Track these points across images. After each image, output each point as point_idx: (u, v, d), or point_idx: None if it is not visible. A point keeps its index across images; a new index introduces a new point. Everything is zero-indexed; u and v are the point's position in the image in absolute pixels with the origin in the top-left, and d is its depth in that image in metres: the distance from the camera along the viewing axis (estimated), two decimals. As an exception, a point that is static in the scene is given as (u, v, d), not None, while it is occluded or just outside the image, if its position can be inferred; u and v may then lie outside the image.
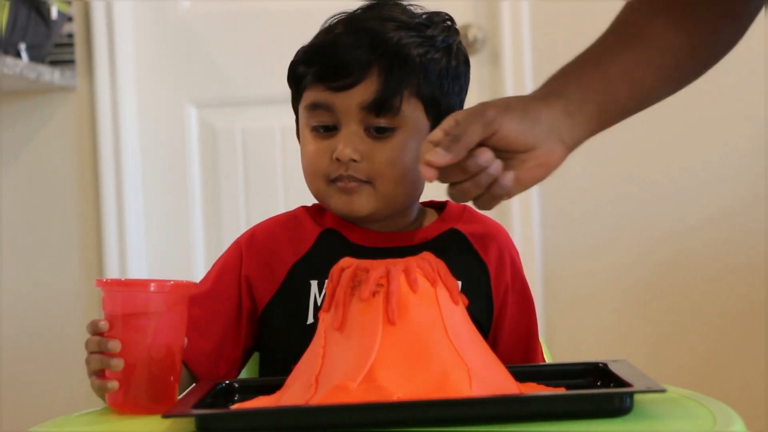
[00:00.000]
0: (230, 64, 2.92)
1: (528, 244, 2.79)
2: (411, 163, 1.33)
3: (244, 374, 1.52)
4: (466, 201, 1.19)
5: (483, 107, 1.12)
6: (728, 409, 1.08)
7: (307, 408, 1.07)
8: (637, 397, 1.06)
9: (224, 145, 2.93)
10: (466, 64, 1.39)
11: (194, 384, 1.22)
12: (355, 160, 1.32)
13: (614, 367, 1.17)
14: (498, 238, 1.42)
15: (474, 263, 1.39)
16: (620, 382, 1.11)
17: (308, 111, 1.34)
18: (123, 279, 1.22)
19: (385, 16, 1.36)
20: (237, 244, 1.40)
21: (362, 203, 1.34)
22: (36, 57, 2.74)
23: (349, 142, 1.32)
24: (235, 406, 1.14)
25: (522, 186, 1.15)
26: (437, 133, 1.14)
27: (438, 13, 1.39)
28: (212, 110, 2.94)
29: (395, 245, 1.33)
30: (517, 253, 1.43)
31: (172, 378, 1.19)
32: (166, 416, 1.05)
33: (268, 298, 1.36)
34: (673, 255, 2.80)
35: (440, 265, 1.16)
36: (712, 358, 2.79)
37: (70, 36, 2.88)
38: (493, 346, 1.40)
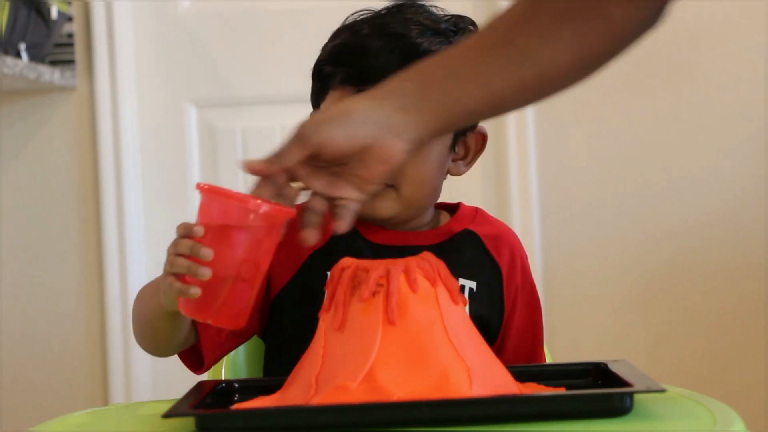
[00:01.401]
0: (230, 64, 2.92)
1: (528, 244, 2.78)
2: (433, 168, 1.35)
3: (244, 370, 1.52)
4: (312, 238, 1.17)
5: (299, 126, 1.11)
6: (728, 409, 1.08)
7: (307, 408, 1.07)
8: (637, 397, 1.06)
9: (224, 145, 2.93)
10: None
11: (194, 384, 1.22)
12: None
13: (614, 367, 1.17)
14: (510, 240, 1.43)
15: (488, 264, 1.40)
16: (620, 382, 1.11)
17: None
18: (225, 188, 1.13)
19: (411, 19, 1.36)
20: None
21: (385, 206, 1.34)
22: (36, 57, 2.74)
23: None
24: (235, 406, 1.14)
25: (369, 184, 1.14)
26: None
27: (462, 18, 1.40)
28: (212, 110, 2.94)
29: (411, 244, 1.33)
30: (526, 256, 1.44)
31: (252, 299, 1.15)
32: (166, 416, 1.05)
33: (282, 285, 1.36)
34: (673, 255, 2.80)
35: (440, 265, 1.16)
36: (712, 358, 2.79)
37: (70, 36, 2.88)
38: (500, 347, 1.41)
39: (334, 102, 1.34)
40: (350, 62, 1.34)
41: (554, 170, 2.84)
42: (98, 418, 1.23)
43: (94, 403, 2.87)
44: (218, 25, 2.93)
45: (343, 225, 1.13)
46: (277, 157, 1.12)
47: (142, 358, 2.90)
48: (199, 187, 1.13)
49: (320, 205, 1.14)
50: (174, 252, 1.14)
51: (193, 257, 1.12)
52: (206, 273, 1.11)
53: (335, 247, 1.33)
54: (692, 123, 2.80)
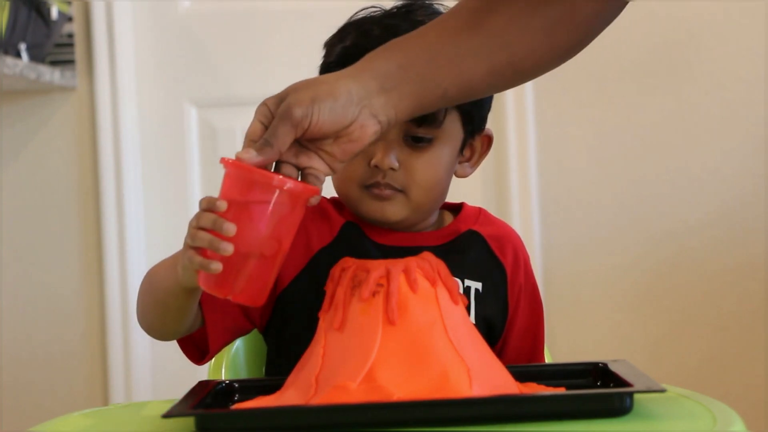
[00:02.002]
0: (230, 64, 2.92)
1: (528, 244, 2.76)
2: (443, 172, 1.35)
3: (244, 370, 1.52)
4: None
5: (288, 108, 1.11)
6: (728, 409, 1.08)
7: (307, 408, 1.07)
8: (637, 397, 1.06)
9: (224, 145, 2.93)
10: None
11: (194, 384, 1.22)
12: (393, 169, 1.32)
13: (614, 367, 1.17)
14: (513, 240, 1.43)
15: (492, 265, 1.40)
16: (620, 382, 1.11)
17: None
18: (249, 164, 1.11)
19: (421, 21, 1.35)
20: None
21: (394, 211, 1.34)
22: (36, 57, 2.74)
23: (389, 151, 1.32)
24: (235, 406, 1.14)
25: (338, 162, 1.14)
26: (255, 128, 1.13)
27: None
28: (212, 110, 2.94)
29: (417, 245, 1.33)
30: (528, 256, 1.44)
31: (274, 277, 1.13)
32: (166, 416, 1.05)
33: (289, 280, 1.36)
34: (673, 255, 2.80)
35: (440, 265, 1.16)
36: (712, 358, 2.79)
37: (70, 36, 2.88)
38: (502, 347, 1.41)
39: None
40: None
41: (554, 170, 2.84)
42: (98, 418, 1.23)
43: (94, 403, 2.87)
44: (218, 25, 2.93)
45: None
46: (270, 143, 1.11)
47: (142, 358, 2.90)
48: (223, 161, 1.11)
49: (292, 172, 1.13)
50: (196, 225, 1.12)
51: (215, 232, 1.10)
52: (228, 248, 1.09)
53: (343, 249, 1.33)
54: (692, 123, 2.80)
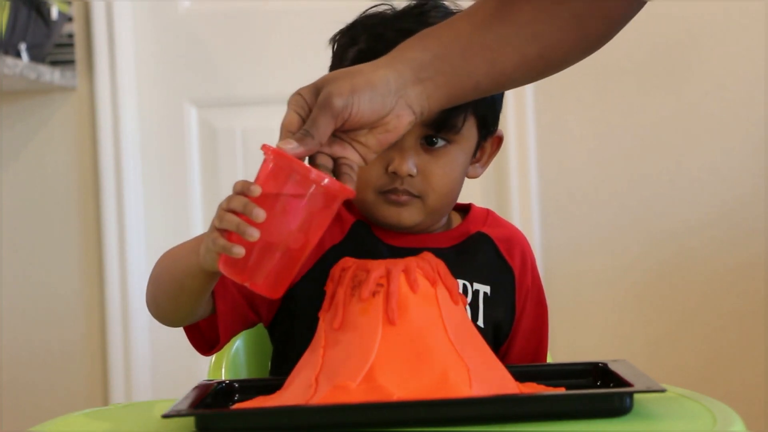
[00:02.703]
0: (230, 64, 2.92)
1: (528, 244, 2.79)
2: (459, 177, 1.35)
3: (244, 370, 1.52)
4: None
5: (329, 97, 1.10)
6: (728, 409, 1.08)
7: (307, 408, 1.07)
8: (637, 397, 1.06)
9: (224, 145, 2.93)
10: None
11: (194, 384, 1.22)
12: (411, 176, 1.32)
13: (614, 367, 1.17)
14: (521, 242, 1.43)
15: (501, 267, 1.40)
16: (620, 382, 1.11)
17: None
18: (290, 156, 1.09)
19: (433, 23, 1.35)
20: None
21: (410, 216, 1.34)
22: (36, 57, 2.74)
23: (407, 157, 1.31)
24: (235, 406, 1.14)
25: (372, 153, 1.14)
26: (292, 119, 1.12)
27: None
28: (212, 110, 2.94)
29: (428, 246, 1.33)
30: (535, 258, 1.44)
31: (294, 272, 1.12)
32: (166, 416, 1.05)
33: (299, 277, 1.35)
34: (673, 255, 2.80)
35: (440, 265, 1.16)
36: (712, 358, 2.79)
37: (70, 36, 2.88)
38: (507, 349, 1.41)
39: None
40: None
41: (554, 170, 2.84)
42: (98, 418, 1.23)
43: (94, 403, 2.87)
44: (218, 25, 2.93)
45: (349, 187, 1.12)
46: (311, 134, 1.10)
47: (142, 358, 2.90)
48: (264, 148, 1.10)
49: (327, 162, 1.13)
50: (226, 207, 1.10)
51: (244, 216, 1.08)
52: (254, 234, 1.07)
53: (353, 248, 1.33)
54: (692, 123, 2.80)
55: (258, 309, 1.36)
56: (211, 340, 1.35)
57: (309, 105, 1.12)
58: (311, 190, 1.08)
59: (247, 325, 1.39)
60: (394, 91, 1.12)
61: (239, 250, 1.08)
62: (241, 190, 1.10)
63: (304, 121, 1.12)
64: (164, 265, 1.31)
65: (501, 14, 1.17)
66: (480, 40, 1.16)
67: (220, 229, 1.11)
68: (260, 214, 1.07)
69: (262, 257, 1.09)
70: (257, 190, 1.08)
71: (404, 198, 1.33)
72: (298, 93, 1.13)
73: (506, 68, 1.17)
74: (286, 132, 1.12)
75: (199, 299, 1.28)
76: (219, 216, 1.11)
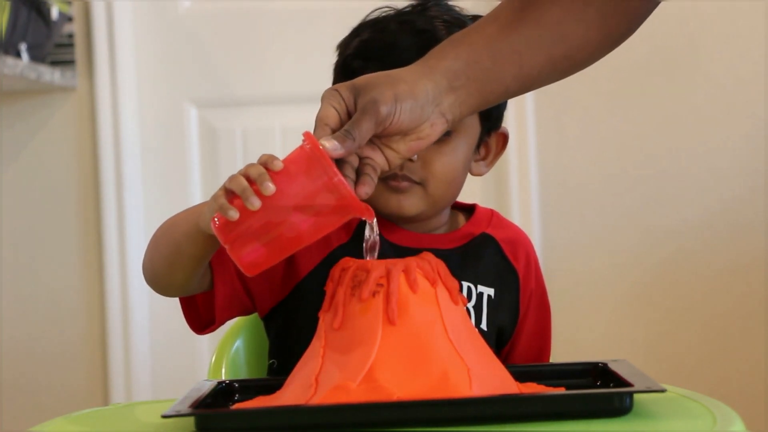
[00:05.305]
0: (230, 64, 2.92)
1: (528, 244, 2.79)
2: (461, 167, 1.35)
3: (244, 370, 1.53)
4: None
5: (375, 104, 1.11)
6: (728, 409, 1.08)
7: (307, 408, 1.07)
8: (637, 396, 1.06)
9: (224, 145, 2.93)
10: None
11: (194, 384, 1.22)
12: (411, 160, 1.32)
13: (614, 367, 1.17)
14: (525, 244, 1.43)
15: (506, 269, 1.40)
16: (620, 382, 1.11)
17: None
18: (325, 152, 1.09)
19: (437, 17, 1.36)
20: None
21: (412, 204, 1.34)
22: (36, 57, 2.74)
23: None
24: (235, 406, 1.14)
25: (399, 159, 1.15)
26: (330, 114, 1.12)
27: None
28: (212, 110, 2.94)
29: (432, 247, 1.33)
30: (538, 260, 1.44)
31: (274, 261, 1.12)
32: (166, 416, 1.05)
33: (305, 273, 1.35)
34: (673, 254, 2.80)
35: (440, 265, 1.16)
36: (712, 357, 2.79)
37: (71, 36, 2.88)
38: (510, 350, 1.41)
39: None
40: (381, 57, 1.33)
41: (554, 170, 2.84)
42: (98, 418, 1.23)
43: (94, 403, 2.87)
44: (218, 25, 2.93)
45: (366, 189, 1.13)
46: (353, 137, 1.10)
47: (142, 358, 2.90)
48: (306, 135, 1.09)
49: (354, 160, 1.13)
50: (242, 171, 1.11)
51: (255, 185, 1.09)
52: (255, 203, 1.08)
53: (359, 247, 1.32)
54: (692, 123, 2.80)
55: (254, 296, 1.36)
56: (206, 319, 1.35)
57: (346, 102, 1.13)
58: (329, 192, 1.09)
59: (243, 311, 1.38)
60: (432, 101, 1.13)
61: (233, 213, 1.08)
62: (264, 161, 1.10)
63: (339, 116, 1.12)
64: (164, 228, 1.31)
65: (526, 15, 1.17)
66: (508, 43, 1.17)
67: (226, 190, 1.11)
68: (270, 186, 1.08)
69: (254, 231, 1.10)
70: (279, 165, 1.09)
71: (405, 184, 1.33)
72: (335, 89, 1.14)
73: (533, 70, 1.18)
74: (322, 125, 1.12)
75: (195, 266, 1.27)
76: (231, 177, 1.11)
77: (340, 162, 1.12)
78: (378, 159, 1.14)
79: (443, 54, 1.16)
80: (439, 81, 1.14)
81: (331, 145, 1.10)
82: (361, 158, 1.14)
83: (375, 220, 1.14)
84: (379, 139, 1.14)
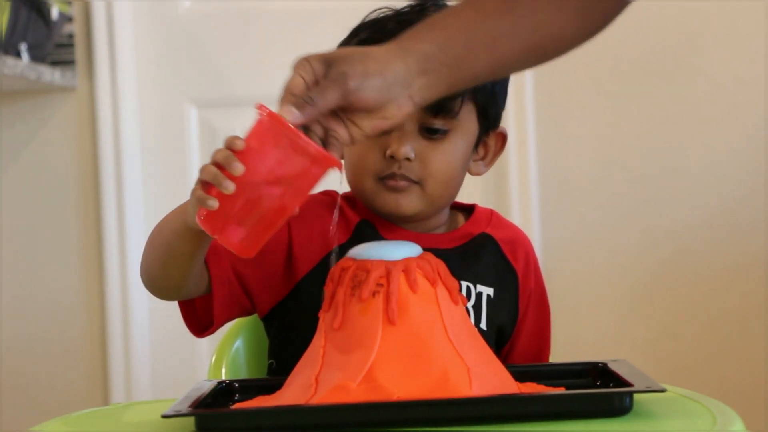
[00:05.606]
0: (230, 64, 2.92)
1: (528, 244, 2.79)
2: (459, 166, 1.35)
3: (244, 370, 1.53)
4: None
5: (345, 76, 1.11)
6: (728, 409, 1.08)
7: (307, 408, 1.07)
8: (637, 396, 1.06)
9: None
10: None
11: (194, 384, 1.22)
12: (409, 159, 1.32)
13: (614, 367, 1.17)
14: (524, 244, 1.43)
15: (505, 269, 1.40)
16: (620, 382, 1.11)
17: None
18: (283, 119, 1.09)
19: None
20: None
21: (410, 203, 1.34)
22: (36, 57, 2.74)
23: (405, 141, 1.32)
24: (235, 406, 1.14)
25: (363, 135, 1.15)
26: (298, 83, 1.13)
27: None
28: (212, 110, 2.94)
29: (432, 247, 1.33)
30: (537, 259, 1.44)
31: (267, 235, 1.11)
32: (166, 416, 1.05)
33: (304, 273, 1.35)
34: (673, 254, 2.80)
35: (440, 265, 1.16)
36: (712, 357, 2.78)
37: (71, 36, 2.88)
38: (510, 350, 1.41)
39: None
40: None
41: (554, 170, 2.84)
42: (98, 418, 1.23)
43: (94, 403, 2.87)
44: (218, 25, 2.93)
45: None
46: (314, 103, 1.11)
47: (142, 357, 2.90)
48: (260, 108, 1.10)
49: (318, 131, 1.13)
50: (211, 160, 1.11)
51: (225, 170, 1.08)
52: (229, 186, 1.08)
53: (355, 244, 1.32)
54: (692, 122, 2.80)
55: (253, 297, 1.36)
56: (205, 322, 1.35)
57: (316, 73, 1.13)
58: (297, 154, 1.09)
59: (242, 312, 1.38)
60: (401, 83, 1.13)
61: (213, 203, 1.08)
62: (228, 144, 1.10)
63: (307, 86, 1.12)
64: (155, 231, 1.30)
65: (504, 2, 1.17)
66: (484, 29, 1.16)
67: (201, 181, 1.11)
68: (238, 167, 1.08)
69: (237, 214, 1.09)
70: (240, 144, 1.09)
71: (402, 183, 1.33)
72: (307, 59, 1.14)
73: (506, 58, 1.18)
74: (288, 95, 1.12)
75: (189, 265, 1.26)
76: (201, 168, 1.11)
77: (306, 131, 1.12)
78: (342, 132, 1.14)
79: (418, 36, 1.16)
80: (411, 63, 1.14)
81: (291, 116, 1.10)
82: (326, 131, 1.14)
83: (344, 173, 1.13)
84: (345, 113, 1.14)
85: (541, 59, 1.21)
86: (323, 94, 1.11)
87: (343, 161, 1.38)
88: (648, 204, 2.81)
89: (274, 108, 1.12)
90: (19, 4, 2.65)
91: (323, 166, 1.11)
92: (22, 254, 2.91)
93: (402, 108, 1.14)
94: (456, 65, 1.16)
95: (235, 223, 1.10)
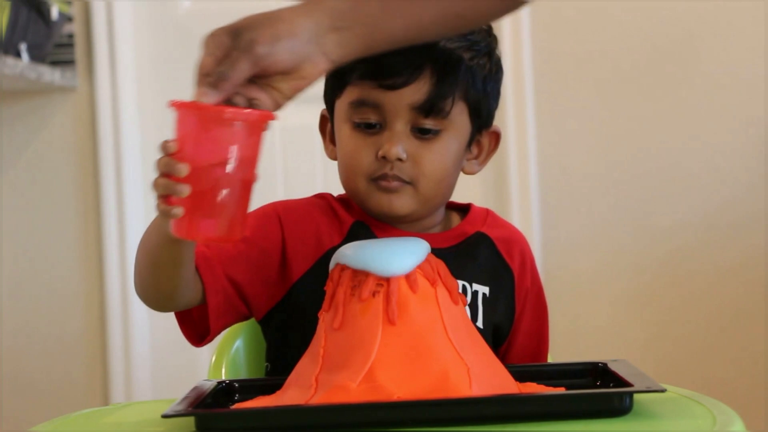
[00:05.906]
0: (230, 64, 2.92)
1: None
2: (451, 165, 1.34)
3: (244, 370, 1.53)
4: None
5: (251, 44, 1.11)
6: (728, 409, 1.08)
7: (307, 408, 1.07)
8: (637, 396, 1.06)
9: (224, 145, 2.93)
10: (502, 70, 1.40)
11: (194, 384, 1.22)
12: (401, 160, 1.32)
13: (614, 367, 1.17)
14: (520, 243, 1.43)
15: (501, 268, 1.40)
16: (620, 382, 1.11)
17: (353, 107, 1.34)
18: (198, 103, 1.10)
19: None
20: (272, 208, 1.37)
21: (402, 203, 1.34)
22: (36, 57, 2.74)
23: (397, 141, 1.31)
24: (235, 406, 1.14)
25: (284, 98, 1.15)
26: (207, 62, 1.12)
27: None
28: (212, 110, 2.94)
29: None
30: (534, 258, 1.44)
31: (241, 211, 1.11)
32: (166, 416, 1.05)
33: (299, 275, 1.35)
34: (673, 254, 2.80)
35: (440, 265, 1.16)
36: (711, 357, 2.79)
37: (71, 36, 2.88)
38: (507, 349, 1.41)
39: (352, 99, 1.33)
40: (370, 58, 1.33)
41: (554, 170, 2.84)
42: (98, 418, 1.23)
43: (94, 403, 2.87)
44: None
45: None
46: (227, 77, 1.10)
47: (142, 357, 2.90)
48: (174, 104, 1.10)
49: (242, 103, 1.13)
50: (157, 174, 1.11)
51: (171, 175, 1.09)
52: (184, 190, 1.08)
53: None
54: (692, 122, 2.80)
55: (249, 301, 1.36)
56: (203, 331, 1.35)
57: (224, 46, 1.12)
58: (231, 127, 1.09)
59: (239, 318, 1.38)
60: (313, 40, 1.13)
61: (177, 211, 1.09)
62: (163, 150, 1.10)
63: (218, 62, 1.12)
64: (139, 245, 1.30)
65: None
66: None
67: (159, 196, 1.11)
68: (182, 168, 1.08)
69: (206, 209, 1.09)
70: (173, 147, 1.09)
71: (395, 184, 1.32)
72: (213, 34, 1.14)
73: (423, 22, 1.17)
74: (201, 76, 1.12)
75: (178, 273, 1.26)
76: (152, 183, 1.12)
77: (229, 104, 1.12)
78: (264, 99, 1.14)
79: None
80: (321, 19, 1.13)
81: (207, 99, 1.10)
82: (249, 100, 1.14)
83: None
84: (263, 79, 1.13)
85: (459, 28, 1.21)
86: (234, 66, 1.11)
87: (336, 162, 1.38)
88: (647, 203, 2.81)
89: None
90: (19, 4, 2.65)
91: (259, 125, 1.11)
92: (23, 254, 2.92)
93: (318, 66, 1.14)
94: (372, 25, 1.15)
95: (207, 217, 1.10)
